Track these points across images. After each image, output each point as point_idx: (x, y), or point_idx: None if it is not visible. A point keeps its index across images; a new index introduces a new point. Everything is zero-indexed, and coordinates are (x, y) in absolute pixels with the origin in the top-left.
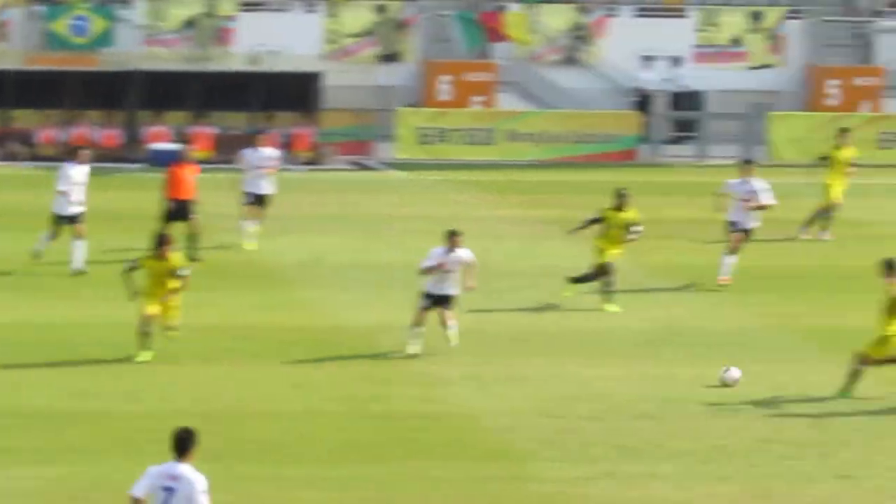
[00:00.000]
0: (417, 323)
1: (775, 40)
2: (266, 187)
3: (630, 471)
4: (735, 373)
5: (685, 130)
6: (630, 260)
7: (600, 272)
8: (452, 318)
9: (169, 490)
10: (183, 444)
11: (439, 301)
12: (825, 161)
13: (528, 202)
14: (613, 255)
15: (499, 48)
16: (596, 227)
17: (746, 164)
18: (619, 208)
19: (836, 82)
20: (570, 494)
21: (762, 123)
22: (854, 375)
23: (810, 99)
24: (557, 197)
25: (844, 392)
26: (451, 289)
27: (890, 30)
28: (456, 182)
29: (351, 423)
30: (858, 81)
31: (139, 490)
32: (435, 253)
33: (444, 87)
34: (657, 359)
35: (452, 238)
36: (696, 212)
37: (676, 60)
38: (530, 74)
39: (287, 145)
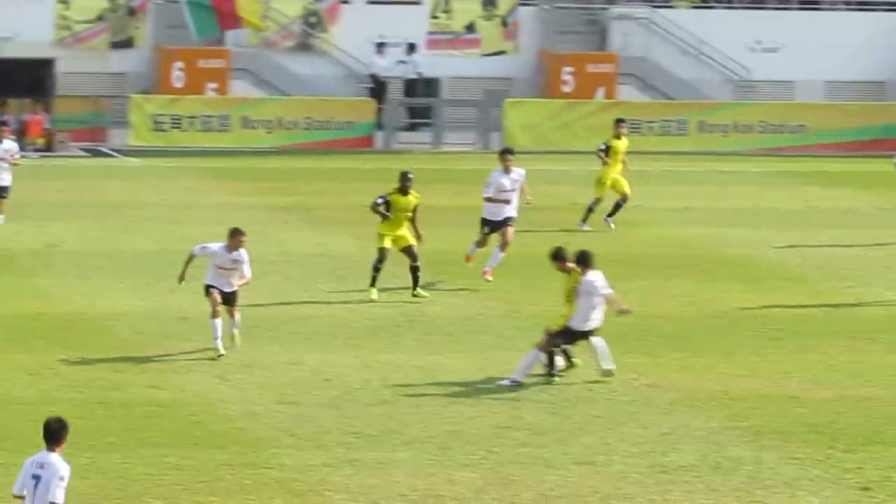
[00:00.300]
0: (214, 315)
1: (509, 27)
2: (6, 179)
3: (369, 458)
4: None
5: (420, 117)
6: (364, 247)
7: (380, 258)
8: (237, 314)
9: (36, 478)
10: (54, 433)
11: (226, 299)
12: (605, 151)
13: (262, 189)
14: (399, 239)
15: (232, 35)
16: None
17: (506, 154)
18: (403, 192)
19: (570, 69)
20: (309, 481)
21: (497, 110)
22: (549, 357)
23: (545, 86)
24: (292, 184)
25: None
26: (233, 286)
27: (623, 16)
28: (190, 169)
29: (87, 411)
30: (592, 68)
31: (16, 486)
32: (217, 251)
33: (177, 73)
34: (395, 346)
35: (235, 238)
36: (432, 198)
37: (411, 47)
38: (264, 61)
39: (20, 132)
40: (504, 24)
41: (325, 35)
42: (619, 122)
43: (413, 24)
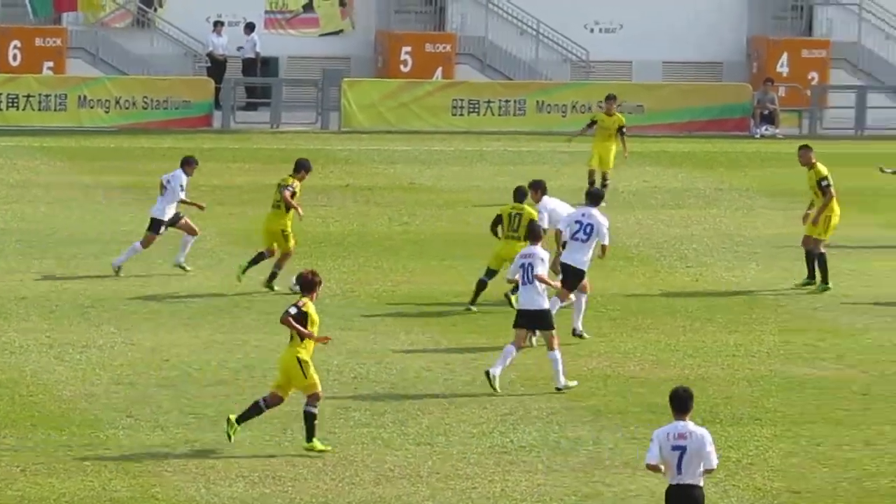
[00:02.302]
0: None
1: (346, 6)
2: None
3: (208, 439)
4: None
5: (259, 97)
6: (204, 226)
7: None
8: None
9: None
10: None
11: None
12: (592, 127)
13: (100, 168)
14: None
15: (70, 13)
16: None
17: None
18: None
19: (408, 49)
20: (147, 462)
21: (335, 90)
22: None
23: (383, 65)
24: (129, 163)
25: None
26: None
27: None
28: (27, 148)
29: None
30: (430, 48)
31: None
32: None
33: (14, 52)
34: (234, 326)
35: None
36: (272, 178)
37: (249, 26)
38: (101, 40)
39: None
40: (342, 3)
41: (160, 12)
42: (609, 98)
43: (250, 2)
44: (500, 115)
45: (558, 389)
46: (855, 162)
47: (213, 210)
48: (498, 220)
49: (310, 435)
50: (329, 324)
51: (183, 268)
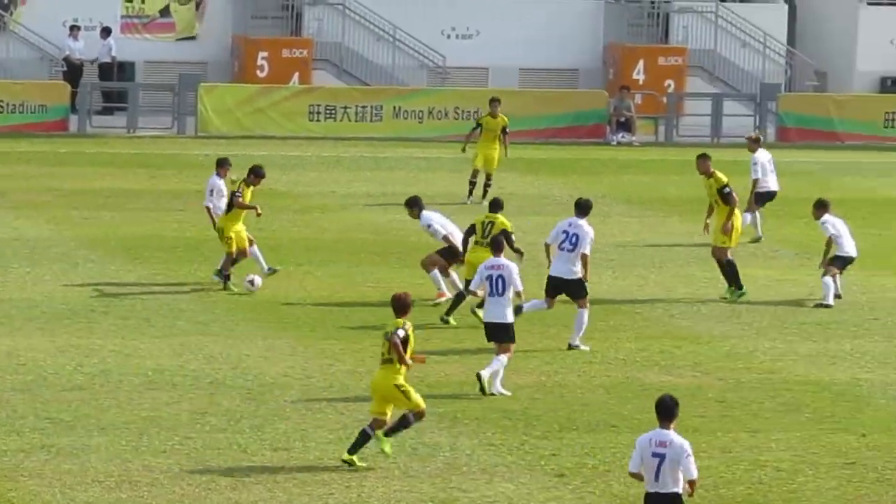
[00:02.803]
0: None
1: (202, 11)
2: None
3: (64, 443)
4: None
5: (115, 101)
6: (58, 231)
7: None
8: None
9: None
10: None
11: None
12: (477, 129)
13: None
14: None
15: None
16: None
17: None
18: (251, 183)
19: (265, 54)
20: (2, 467)
21: (192, 95)
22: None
23: (240, 70)
24: None
25: None
26: None
27: (318, 2)
28: None
29: None
30: (287, 53)
31: None
32: None
33: None
34: (91, 330)
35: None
36: (128, 183)
37: (105, 31)
38: None
39: None
40: (198, 8)
41: (16, 16)
42: (493, 100)
43: (106, 7)
44: (356, 120)
45: (490, 393)
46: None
47: (69, 214)
48: (471, 230)
49: (390, 432)
50: (186, 329)
51: (273, 270)
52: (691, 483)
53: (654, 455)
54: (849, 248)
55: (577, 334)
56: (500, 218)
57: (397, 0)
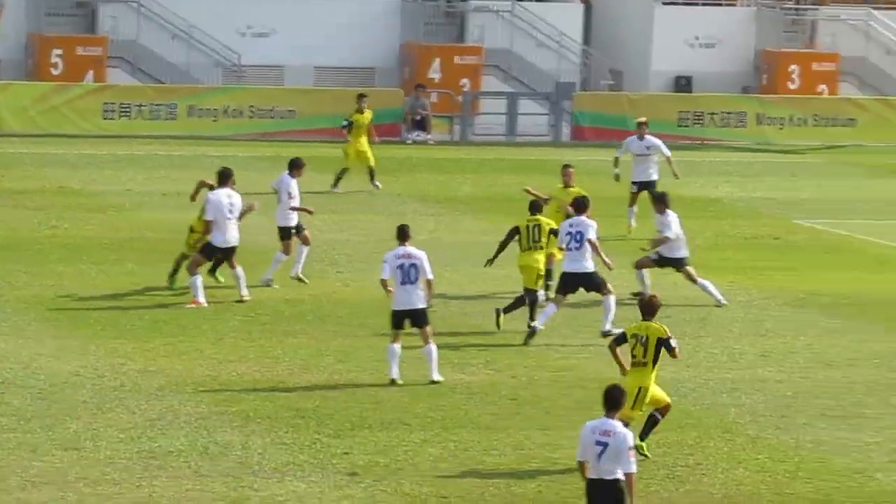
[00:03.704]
0: None
1: None
2: None
3: None
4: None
5: None
6: None
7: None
8: None
9: None
10: None
11: None
12: (349, 126)
13: None
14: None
15: None
16: None
17: None
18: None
19: (59, 51)
20: None
21: None
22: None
23: (34, 68)
24: None
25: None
26: None
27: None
28: None
29: None
30: (81, 51)
31: None
32: None
33: None
34: None
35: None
36: None
37: None
38: None
39: None
40: None
41: None
42: (360, 96)
43: None
44: (151, 118)
45: (433, 382)
46: (507, 169)
47: None
48: (514, 232)
49: (644, 435)
50: None
51: (301, 279)
52: (628, 477)
53: (598, 443)
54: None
55: (606, 320)
56: (542, 219)
57: None
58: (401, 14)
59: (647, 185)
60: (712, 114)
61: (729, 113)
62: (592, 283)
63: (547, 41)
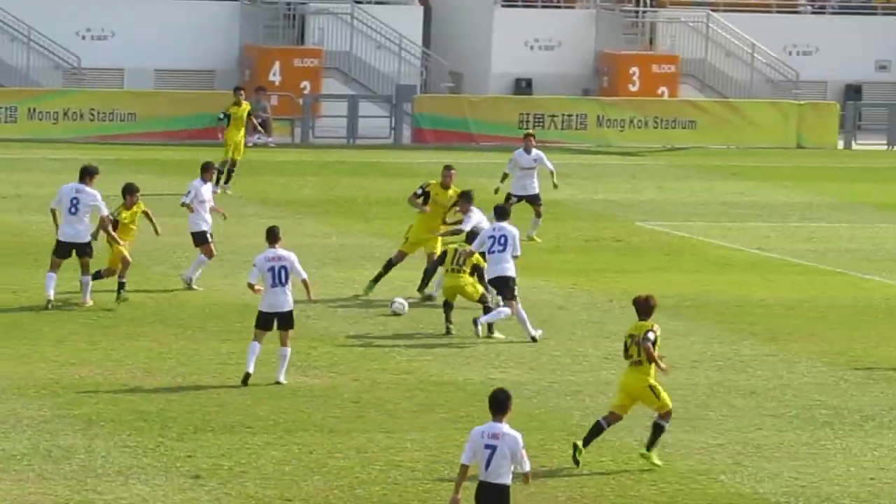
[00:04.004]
0: None
1: None
2: None
3: None
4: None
5: None
6: None
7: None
8: None
9: None
10: None
11: None
12: (226, 119)
13: None
14: None
15: None
16: None
17: None
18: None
19: None
20: None
21: None
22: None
23: None
24: None
25: None
26: None
27: None
28: None
29: None
30: None
31: None
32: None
33: None
34: None
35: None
36: None
37: None
38: None
39: None
40: None
41: None
42: (236, 89)
43: None
44: None
45: (278, 383)
46: (347, 171)
47: None
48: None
49: (650, 446)
50: None
51: (190, 285)
52: (525, 476)
53: (487, 447)
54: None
55: (527, 327)
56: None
57: (31, 1)
58: (240, 17)
59: (531, 199)
60: (553, 116)
61: (569, 115)
62: (507, 287)
63: (387, 43)
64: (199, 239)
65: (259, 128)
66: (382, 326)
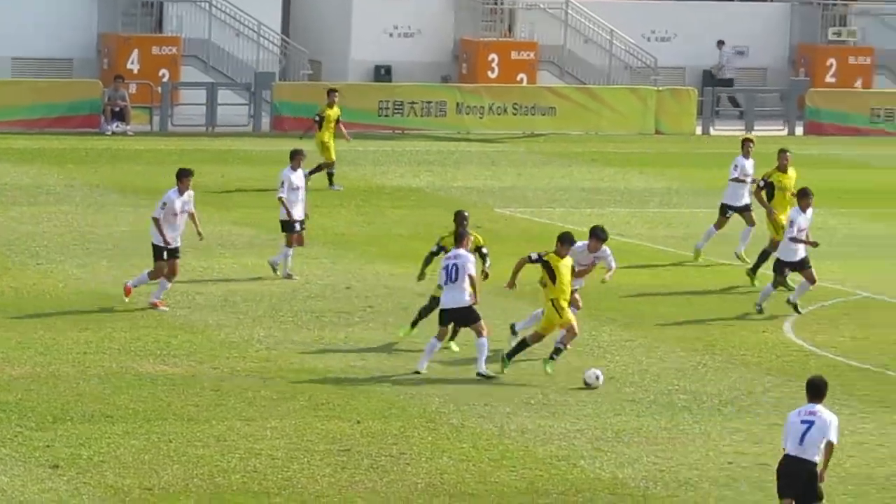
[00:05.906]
0: None
1: None
2: None
3: None
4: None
5: None
6: None
7: None
8: None
9: None
10: None
11: None
12: (320, 121)
13: None
14: None
15: None
16: None
17: None
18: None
19: None
20: None
21: None
22: None
23: None
24: None
25: None
26: None
27: None
28: None
29: None
30: None
31: None
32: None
33: None
34: None
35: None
36: None
37: None
38: None
39: None
40: None
41: None
42: (331, 91)
43: None
44: None
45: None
46: (207, 159)
47: None
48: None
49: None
50: None
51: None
52: (829, 446)
53: (804, 422)
54: None
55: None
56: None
57: None
58: (98, 4)
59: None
60: (412, 103)
61: (429, 102)
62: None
63: (246, 31)
64: (286, 228)
65: (119, 117)
66: (242, 315)
